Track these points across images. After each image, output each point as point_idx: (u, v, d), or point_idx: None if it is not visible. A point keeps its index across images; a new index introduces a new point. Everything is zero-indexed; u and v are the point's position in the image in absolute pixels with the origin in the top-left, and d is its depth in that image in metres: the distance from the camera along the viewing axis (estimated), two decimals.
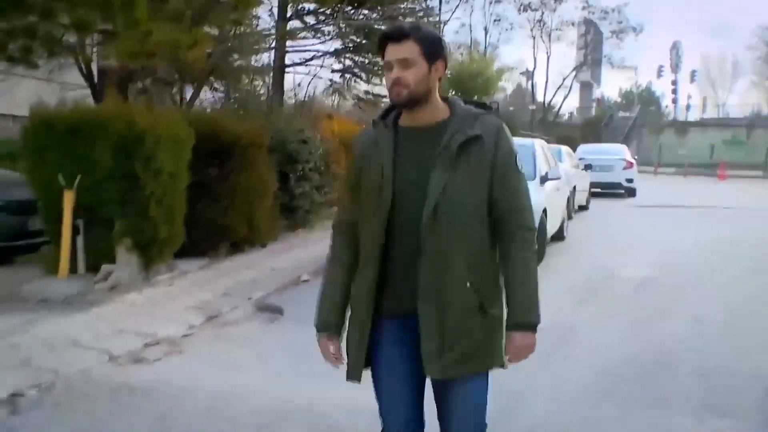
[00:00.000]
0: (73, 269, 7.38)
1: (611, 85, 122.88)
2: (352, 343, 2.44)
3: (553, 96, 43.95)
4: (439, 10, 24.96)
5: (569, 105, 48.13)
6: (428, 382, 2.45)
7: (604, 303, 7.42)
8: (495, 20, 39.05)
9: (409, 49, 2.31)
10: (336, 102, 17.92)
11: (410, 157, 2.35)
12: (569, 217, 12.66)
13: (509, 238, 2.38)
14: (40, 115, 7.33)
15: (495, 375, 2.49)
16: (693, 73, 60.75)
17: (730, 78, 66.34)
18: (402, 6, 16.58)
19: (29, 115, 7.48)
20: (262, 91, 15.51)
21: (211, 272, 8.13)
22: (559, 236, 11.06)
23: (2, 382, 4.62)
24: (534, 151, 10.24)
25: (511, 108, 32.49)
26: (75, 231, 7.33)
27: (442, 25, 21.84)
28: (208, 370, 5.15)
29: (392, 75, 2.32)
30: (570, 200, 13.10)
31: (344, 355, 2.50)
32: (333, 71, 17.21)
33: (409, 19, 17.91)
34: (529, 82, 45.14)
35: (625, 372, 5.12)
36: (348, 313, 2.51)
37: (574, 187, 14.38)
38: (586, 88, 58.44)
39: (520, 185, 2.42)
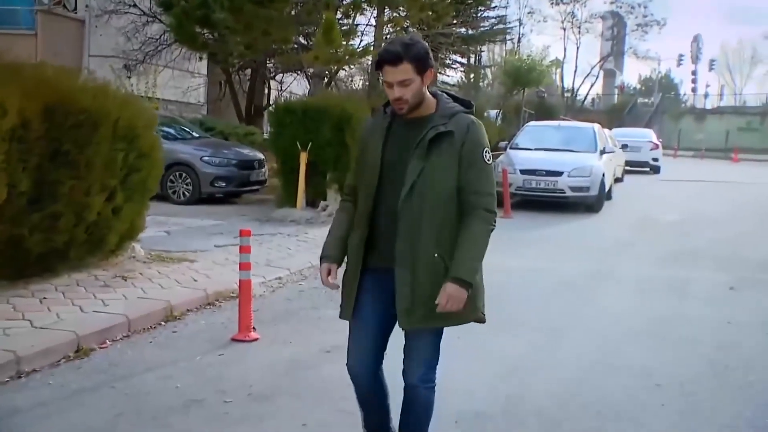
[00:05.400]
0: (293, 204, 11.14)
1: (632, 72, 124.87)
2: (345, 289, 2.89)
3: (581, 84, 47.34)
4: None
5: (592, 91, 51.46)
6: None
7: (649, 231, 11.16)
8: (529, 12, 42.27)
9: (404, 71, 2.65)
10: None
11: (396, 144, 2.79)
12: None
13: (470, 216, 2.74)
14: (283, 103, 11.08)
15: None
16: (711, 62, 63.82)
17: (748, 65, 69.02)
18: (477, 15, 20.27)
19: (275, 103, 11.25)
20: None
21: None
22: (608, 197, 14.70)
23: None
24: (594, 132, 13.94)
25: (545, 95, 35.86)
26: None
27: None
28: None
29: (395, 93, 2.69)
30: (614, 171, 16.76)
31: (340, 287, 2.91)
32: None
33: (483, 27, 21.73)
34: (558, 71, 48.53)
35: (672, 257, 8.89)
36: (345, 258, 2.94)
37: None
38: (609, 75, 61.56)
39: (484, 174, 2.75)
